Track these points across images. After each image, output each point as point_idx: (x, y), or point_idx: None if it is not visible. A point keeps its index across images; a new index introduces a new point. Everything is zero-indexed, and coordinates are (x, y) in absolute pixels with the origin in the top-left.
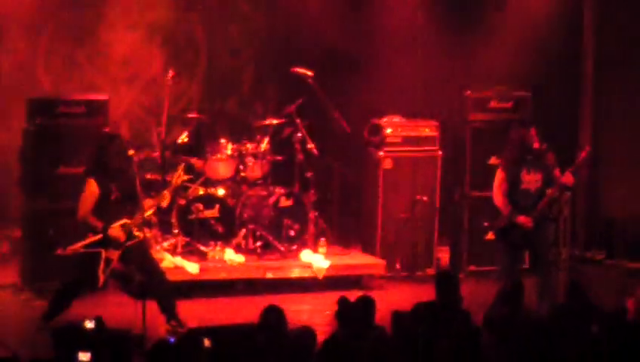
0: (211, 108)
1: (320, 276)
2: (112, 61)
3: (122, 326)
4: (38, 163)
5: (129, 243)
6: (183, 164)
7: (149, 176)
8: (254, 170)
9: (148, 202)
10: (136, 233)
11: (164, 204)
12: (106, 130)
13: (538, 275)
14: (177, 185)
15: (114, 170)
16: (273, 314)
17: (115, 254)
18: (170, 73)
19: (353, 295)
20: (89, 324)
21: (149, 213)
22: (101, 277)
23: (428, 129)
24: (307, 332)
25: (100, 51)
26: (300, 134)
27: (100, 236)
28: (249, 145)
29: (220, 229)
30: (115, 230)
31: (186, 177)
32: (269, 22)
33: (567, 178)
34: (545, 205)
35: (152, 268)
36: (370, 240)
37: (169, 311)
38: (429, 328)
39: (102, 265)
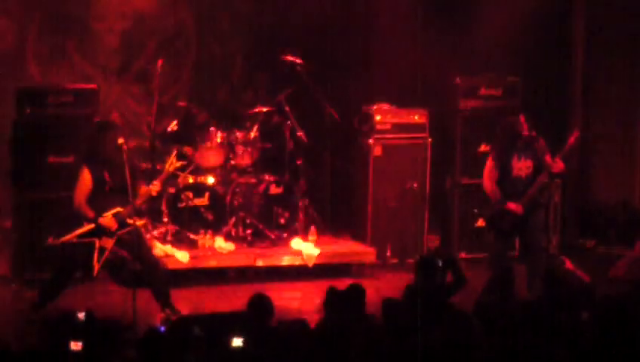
0: (201, 97)
1: (310, 264)
2: (101, 50)
3: (112, 315)
4: (27, 153)
5: (121, 231)
6: (175, 151)
7: (139, 165)
8: (244, 157)
9: (140, 190)
10: (129, 221)
11: (155, 192)
12: (97, 119)
13: (528, 262)
14: (170, 173)
15: (107, 159)
16: (260, 302)
17: (108, 243)
18: (160, 62)
19: (343, 283)
20: (80, 316)
21: (141, 201)
22: (96, 267)
23: (417, 116)
24: (300, 325)
25: (90, 41)
26: (289, 122)
27: (92, 225)
28: (239, 133)
29: (210, 217)
30: (107, 219)
31: (178, 164)
32: (259, 10)
33: (557, 165)
34: (535, 191)
35: (146, 256)
36: (360, 228)
37: (163, 299)
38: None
39: (96, 254)
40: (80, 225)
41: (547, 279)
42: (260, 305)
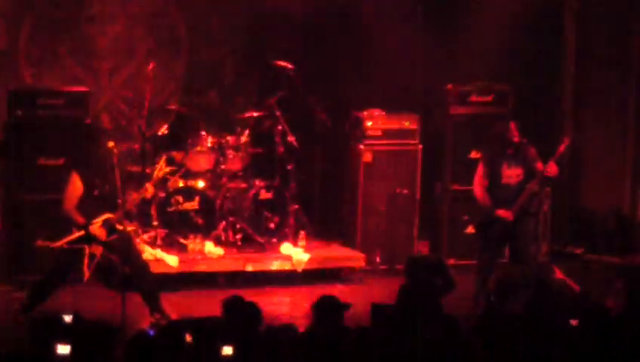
0: (192, 101)
1: (300, 269)
2: (92, 53)
3: (102, 318)
4: (18, 155)
5: (111, 238)
6: (164, 156)
7: (129, 169)
8: (234, 162)
9: (130, 196)
10: (118, 227)
11: (148, 196)
12: (87, 122)
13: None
14: (159, 178)
15: (98, 165)
16: (247, 308)
17: (98, 249)
18: (151, 65)
19: (333, 288)
20: (67, 318)
21: (130, 206)
22: (86, 273)
23: (408, 122)
24: (289, 330)
25: (81, 43)
26: (280, 127)
27: (82, 232)
28: (229, 138)
29: (200, 222)
30: (97, 227)
31: (167, 169)
32: (250, 14)
33: (551, 168)
34: (525, 199)
35: (135, 261)
36: (350, 234)
37: (153, 304)
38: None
39: (86, 260)
40: (69, 229)
41: (537, 288)
42: (238, 309)
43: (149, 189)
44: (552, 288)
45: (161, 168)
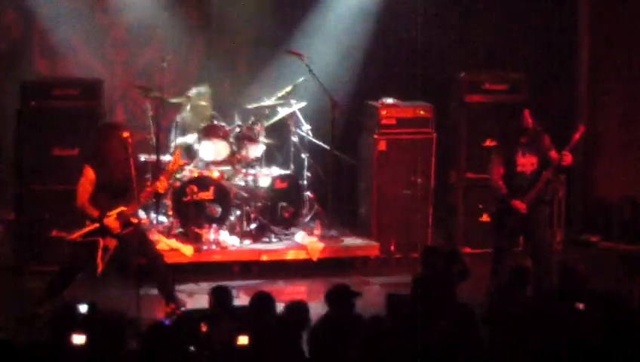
0: (207, 90)
1: (314, 258)
2: (107, 44)
3: (117, 309)
4: (32, 145)
5: (125, 231)
6: (179, 149)
7: (144, 159)
8: (249, 151)
9: (145, 189)
10: (133, 220)
11: (162, 190)
12: (102, 112)
13: (533, 258)
14: (174, 171)
15: (113, 160)
16: (262, 301)
17: (112, 242)
18: (166, 55)
19: (347, 277)
20: (82, 309)
21: (145, 199)
22: (100, 265)
23: (423, 111)
24: (300, 307)
25: (96, 34)
26: (294, 116)
27: (96, 225)
28: (244, 127)
29: (215, 211)
30: (111, 219)
31: (182, 162)
32: (266, 3)
33: (567, 158)
34: (540, 188)
35: (149, 252)
36: (364, 223)
37: (168, 293)
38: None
39: (100, 253)
40: (83, 222)
41: (563, 272)
42: (263, 303)
43: (164, 182)
44: (577, 281)
45: (176, 161)
